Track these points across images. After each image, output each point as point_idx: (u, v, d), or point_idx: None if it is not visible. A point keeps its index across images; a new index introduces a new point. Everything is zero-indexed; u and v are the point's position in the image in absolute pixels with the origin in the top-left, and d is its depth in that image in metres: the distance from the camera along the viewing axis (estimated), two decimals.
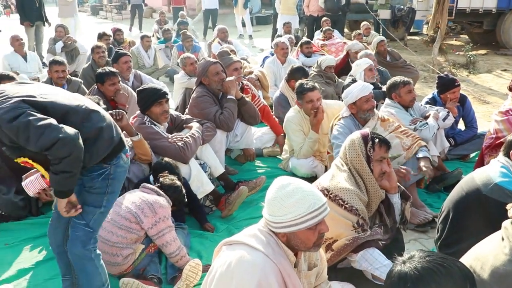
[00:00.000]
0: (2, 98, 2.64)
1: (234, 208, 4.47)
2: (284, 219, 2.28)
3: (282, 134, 5.78)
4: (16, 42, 9.14)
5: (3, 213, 4.47)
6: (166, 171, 4.05)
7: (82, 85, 6.53)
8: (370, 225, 3.15)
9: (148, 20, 18.99)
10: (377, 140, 3.12)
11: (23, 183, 2.97)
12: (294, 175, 4.95)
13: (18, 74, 6.98)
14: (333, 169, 3.24)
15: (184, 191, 3.90)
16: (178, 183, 3.89)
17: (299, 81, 5.30)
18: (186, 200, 3.94)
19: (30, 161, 2.78)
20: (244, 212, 4.56)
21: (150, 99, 4.45)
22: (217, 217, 4.50)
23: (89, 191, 2.91)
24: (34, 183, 2.89)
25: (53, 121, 2.67)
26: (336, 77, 7.47)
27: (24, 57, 9.02)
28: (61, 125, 2.67)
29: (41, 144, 2.62)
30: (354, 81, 6.16)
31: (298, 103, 5.12)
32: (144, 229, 3.49)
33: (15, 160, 2.79)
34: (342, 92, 4.79)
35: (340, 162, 3.22)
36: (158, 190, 3.73)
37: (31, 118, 2.61)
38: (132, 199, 3.58)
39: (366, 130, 3.26)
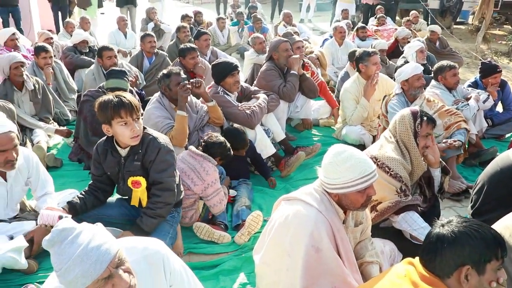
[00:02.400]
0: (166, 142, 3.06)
1: (292, 169, 4.46)
2: (338, 182, 2.27)
3: (337, 107, 5.70)
4: (122, 22, 9.34)
5: None
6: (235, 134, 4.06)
7: (167, 58, 6.65)
8: (412, 192, 3.09)
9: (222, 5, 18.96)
10: (425, 118, 3.04)
11: (43, 210, 2.93)
12: (345, 143, 4.88)
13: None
14: (382, 140, 3.18)
15: (228, 145, 3.78)
16: (222, 138, 3.77)
17: (362, 49, 5.23)
18: (231, 154, 3.81)
19: (143, 182, 3.00)
20: (300, 173, 4.54)
21: (225, 71, 4.47)
22: (276, 176, 4.49)
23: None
24: (50, 216, 2.84)
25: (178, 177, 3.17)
26: (387, 59, 7.27)
27: (125, 34, 9.21)
28: None
29: (167, 181, 2.99)
30: (406, 62, 6.03)
31: (363, 66, 5.00)
32: (197, 193, 3.49)
33: (131, 177, 3.00)
34: (395, 72, 4.68)
35: (388, 134, 3.16)
36: (204, 154, 3.58)
37: (174, 169, 3.08)
38: (184, 168, 3.50)
39: (416, 107, 3.18)
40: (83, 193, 3.18)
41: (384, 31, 10.34)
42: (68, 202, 3.09)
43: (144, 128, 3.02)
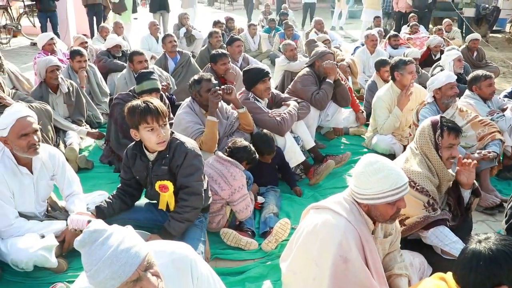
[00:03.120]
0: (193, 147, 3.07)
1: (321, 178, 4.43)
2: (368, 192, 2.24)
3: (361, 111, 5.63)
4: (153, 26, 9.49)
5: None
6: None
7: (191, 58, 6.74)
8: (441, 206, 3.00)
9: (255, 11, 19.06)
10: (445, 127, 2.91)
11: (73, 215, 3.07)
12: (375, 152, 4.85)
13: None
14: (407, 152, 3.10)
15: (253, 149, 3.78)
16: (246, 143, 3.78)
17: (398, 57, 5.17)
18: (257, 157, 3.81)
19: (170, 186, 3.02)
20: (329, 182, 4.51)
21: (256, 77, 4.47)
22: (305, 184, 4.47)
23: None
24: (80, 221, 2.97)
25: (206, 183, 3.17)
26: (420, 68, 7.15)
27: (157, 39, 9.32)
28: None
29: (194, 186, 3.00)
30: (442, 70, 5.95)
31: (399, 74, 4.91)
32: (224, 198, 3.49)
33: (158, 181, 3.03)
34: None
35: (414, 146, 3.07)
36: (231, 159, 3.58)
37: (202, 174, 3.10)
38: (211, 173, 3.52)
39: (437, 117, 3.03)
40: (111, 197, 3.25)
41: (417, 39, 10.20)
42: (96, 207, 3.18)
43: (172, 132, 3.06)
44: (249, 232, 3.53)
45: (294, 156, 4.39)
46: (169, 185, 3.02)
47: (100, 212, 3.11)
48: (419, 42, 9.96)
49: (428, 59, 7.96)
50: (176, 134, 3.10)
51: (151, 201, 3.37)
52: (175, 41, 6.71)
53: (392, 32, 9.59)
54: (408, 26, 11.43)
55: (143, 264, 1.62)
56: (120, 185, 3.32)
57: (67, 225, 3.14)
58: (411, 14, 12.14)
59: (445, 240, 2.83)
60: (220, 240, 3.45)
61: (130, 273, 1.57)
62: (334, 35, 10.98)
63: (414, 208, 2.87)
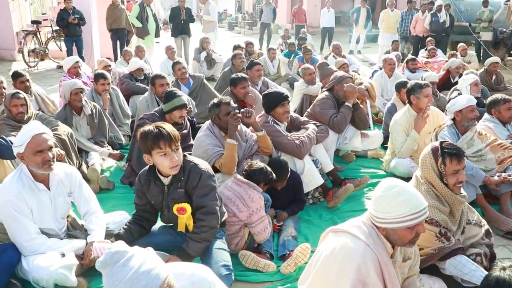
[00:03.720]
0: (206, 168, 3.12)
1: (340, 201, 4.38)
2: (387, 216, 2.22)
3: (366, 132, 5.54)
4: (169, 50, 9.68)
5: None
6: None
7: (204, 80, 6.81)
8: (456, 231, 2.92)
9: (274, 35, 19.19)
10: (447, 154, 2.84)
11: (95, 244, 3.14)
12: (394, 175, 4.81)
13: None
14: (413, 181, 3.04)
15: (269, 169, 3.74)
16: (262, 164, 3.76)
17: (414, 81, 5.15)
18: (274, 177, 3.75)
19: (188, 208, 3.04)
20: (347, 205, 4.46)
21: (276, 101, 4.48)
22: (323, 207, 4.44)
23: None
24: (103, 249, 3.03)
25: (220, 202, 3.20)
26: (438, 91, 7.11)
27: None
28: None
29: (209, 205, 3.03)
30: (459, 94, 5.93)
31: (415, 98, 4.88)
32: (242, 220, 3.48)
33: (176, 204, 3.05)
34: (448, 103, 4.57)
35: (419, 174, 3.01)
36: (249, 182, 3.57)
37: (216, 193, 3.13)
38: (229, 195, 3.52)
39: (436, 143, 2.97)
40: (128, 224, 3.28)
41: (435, 63, 10.17)
42: (115, 235, 3.23)
43: (184, 156, 3.09)
44: (268, 255, 3.50)
45: (313, 179, 4.36)
46: (187, 207, 3.05)
47: (120, 239, 3.11)
48: (437, 66, 9.94)
49: (446, 83, 7.92)
50: (188, 157, 3.14)
51: (167, 224, 3.39)
52: (184, 67, 6.74)
53: (409, 56, 9.59)
54: (425, 50, 11.41)
55: (163, 286, 1.62)
56: (135, 211, 3.34)
57: (87, 243, 3.19)
58: (429, 38, 12.13)
59: (464, 269, 2.78)
60: (238, 262, 3.42)
61: None
62: (352, 59, 10.99)
63: (427, 239, 2.82)
